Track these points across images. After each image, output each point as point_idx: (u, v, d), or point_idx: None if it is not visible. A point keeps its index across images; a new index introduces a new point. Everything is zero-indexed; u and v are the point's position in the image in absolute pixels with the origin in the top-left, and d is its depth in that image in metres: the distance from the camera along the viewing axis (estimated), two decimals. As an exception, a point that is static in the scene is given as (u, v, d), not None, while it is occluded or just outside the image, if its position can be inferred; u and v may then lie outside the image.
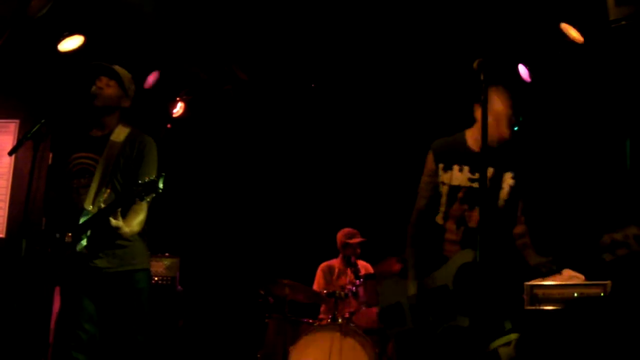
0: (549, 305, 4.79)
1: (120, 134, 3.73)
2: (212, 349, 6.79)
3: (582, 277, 4.91)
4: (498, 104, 3.48)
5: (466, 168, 3.50)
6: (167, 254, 6.11)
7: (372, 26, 5.79)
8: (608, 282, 4.68)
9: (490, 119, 3.12)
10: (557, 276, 5.01)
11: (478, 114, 3.49)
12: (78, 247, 3.47)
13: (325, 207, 7.08)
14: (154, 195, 3.34)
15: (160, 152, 3.79)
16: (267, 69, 6.58)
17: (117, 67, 3.79)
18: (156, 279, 5.92)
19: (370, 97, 6.80)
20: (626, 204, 5.00)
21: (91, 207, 3.53)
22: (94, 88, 3.69)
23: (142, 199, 3.35)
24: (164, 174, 3.35)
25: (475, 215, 3.42)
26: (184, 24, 5.80)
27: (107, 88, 3.72)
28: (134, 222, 3.56)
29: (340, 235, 6.30)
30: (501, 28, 5.34)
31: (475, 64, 3.26)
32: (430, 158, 3.65)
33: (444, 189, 3.55)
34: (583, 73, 5.47)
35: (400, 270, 5.44)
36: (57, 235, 3.55)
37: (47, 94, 5.67)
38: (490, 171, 3.43)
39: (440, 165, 3.59)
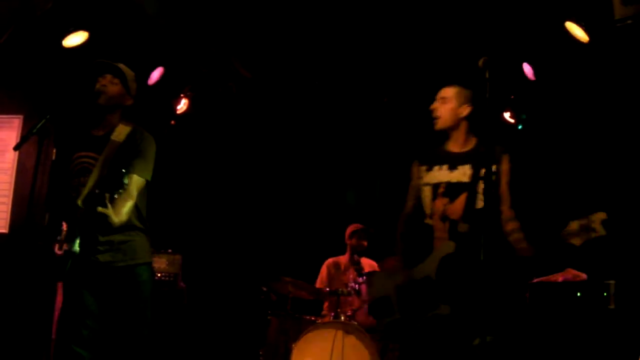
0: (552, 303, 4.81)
1: (121, 133, 3.71)
2: (215, 345, 6.80)
3: (584, 276, 4.92)
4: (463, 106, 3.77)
5: (445, 166, 3.75)
6: (169, 251, 6.11)
7: (375, 24, 5.78)
8: (612, 281, 4.70)
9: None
10: (560, 275, 5.02)
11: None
12: (72, 248, 3.46)
13: (329, 204, 7.08)
14: (120, 191, 3.30)
15: (163, 148, 3.78)
16: (271, 66, 6.58)
17: (120, 65, 3.79)
18: (159, 275, 5.93)
19: (374, 94, 6.80)
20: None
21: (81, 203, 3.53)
22: (97, 85, 3.68)
23: (109, 192, 3.31)
24: (124, 169, 3.34)
25: (455, 207, 3.65)
26: (187, 21, 5.80)
27: (110, 86, 3.72)
28: (123, 211, 3.49)
29: (348, 228, 6.33)
30: (506, 26, 5.34)
31: (480, 62, 3.30)
32: (414, 165, 3.93)
33: (427, 189, 3.79)
34: (588, 72, 5.47)
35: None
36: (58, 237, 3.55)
37: (51, 89, 5.68)
38: (469, 170, 3.68)
39: (423, 168, 3.85)
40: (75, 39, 5.40)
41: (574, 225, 3.27)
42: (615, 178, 5.57)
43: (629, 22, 4.33)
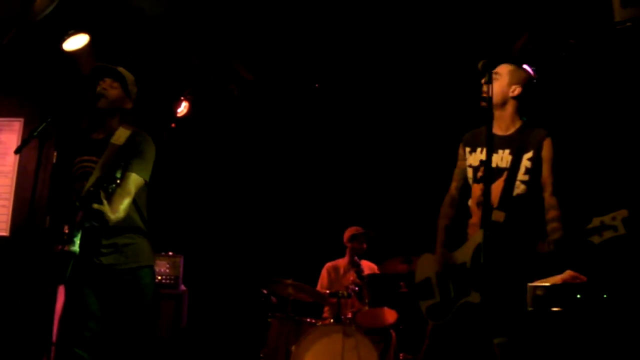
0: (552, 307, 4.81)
1: (121, 136, 3.72)
2: (215, 347, 6.80)
3: (584, 278, 4.92)
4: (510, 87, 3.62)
5: (485, 149, 3.49)
6: (170, 253, 6.12)
7: (375, 26, 5.79)
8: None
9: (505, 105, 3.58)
10: (560, 276, 5.03)
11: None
12: (72, 248, 3.46)
13: (329, 206, 7.08)
14: (113, 185, 3.33)
15: (164, 151, 3.79)
16: (272, 69, 6.59)
17: (120, 69, 3.80)
18: (159, 277, 5.93)
19: (375, 97, 6.80)
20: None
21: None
22: (98, 89, 3.69)
23: (103, 188, 3.34)
24: (123, 163, 3.34)
25: (491, 193, 3.49)
26: (187, 23, 5.81)
27: (111, 89, 3.72)
28: (120, 207, 3.50)
29: (347, 231, 6.33)
30: (506, 29, 5.34)
31: (479, 65, 3.30)
32: (460, 146, 3.82)
33: (470, 172, 3.71)
34: (588, 74, 5.47)
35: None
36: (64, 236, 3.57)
37: (52, 92, 5.69)
38: (508, 155, 3.55)
39: (467, 149, 3.74)
40: (74, 42, 5.40)
41: (597, 222, 3.15)
42: (614, 179, 5.58)
43: (629, 24, 4.33)
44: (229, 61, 6.46)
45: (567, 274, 4.98)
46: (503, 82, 3.64)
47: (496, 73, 3.62)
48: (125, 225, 3.62)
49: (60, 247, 3.53)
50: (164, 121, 6.56)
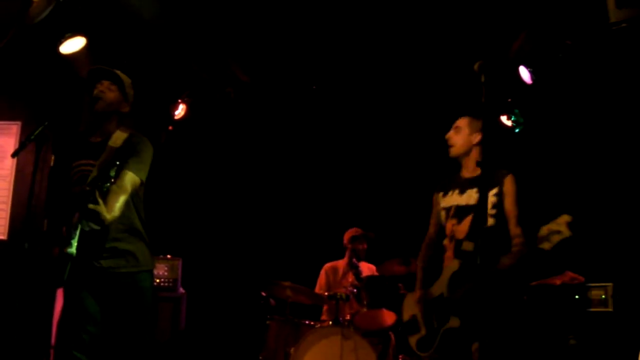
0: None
1: (118, 139, 3.72)
2: (214, 350, 6.79)
3: (582, 278, 4.94)
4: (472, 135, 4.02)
5: (456, 191, 4.04)
6: (168, 256, 6.11)
7: (372, 28, 5.80)
8: (609, 284, 4.72)
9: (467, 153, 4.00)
10: (558, 277, 5.04)
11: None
12: (69, 250, 3.46)
13: (327, 209, 7.08)
14: (107, 184, 3.32)
15: (162, 154, 3.79)
16: (269, 71, 6.59)
17: (117, 72, 3.80)
18: (158, 280, 5.93)
19: (371, 99, 6.81)
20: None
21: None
22: (95, 91, 3.69)
23: (97, 187, 3.33)
24: (118, 162, 3.34)
25: (461, 228, 3.93)
26: (184, 26, 5.81)
27: (108, 92, 3.73)
28: (116, 206, 3.48)
29: (347, 232, 6.33)
30: (502, 30, 5.35)
31: (476, 66, 3.31)
32: (435, 194, 4.22)
33: (443, 213, 4.10)
34: (584, 75, 5.48)
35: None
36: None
37: (49, 96, 5.69)
38: (475, 194, 3.93)
39: (440, 194, 4.16)
40: (71, 45, 5.41)
41: (544, 230, 3.42)
42: (611, 180, 5.59)
43: (624, 25, 4.34)
44: (225, 63, 6.46)
45: (566, 275, 5.01)
46: (464, 133, 4.03)
47: (457, 127, 4.06)
48: (124, 228, 3.63)
49: (58, 249, 3.53)
50: (161, 124, 6.56)
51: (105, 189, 3.35)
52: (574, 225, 3.33)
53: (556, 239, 3.36)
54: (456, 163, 4.11)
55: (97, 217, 3.40)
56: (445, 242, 4.04)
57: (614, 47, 4.88)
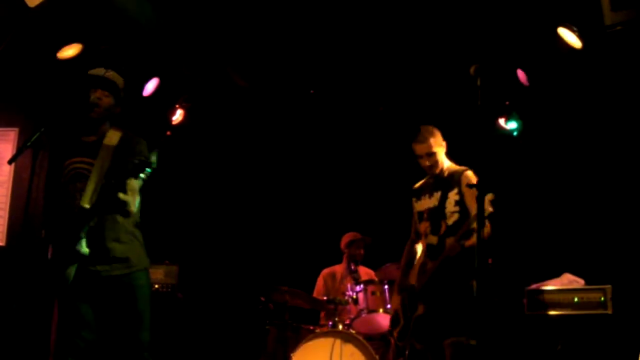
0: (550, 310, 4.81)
1: (112, 137, 3.76)
2: (213, 356, 6.78)
3: (582, 281, 4.93)
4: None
5: (427, 195, 4.44)
6: (166, 262, 6.10)
7: (370, 32, 5.80)
8: (608, 286, 4.71)
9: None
10: (557, 280, 5.03)
11: (416, 152, 4.45)
12: (81, 250, 3.48)
13: (325, 214, 7.07)
14: (149, 171, 3.40)
15: (159, 159, 3.79)
16: (267, 76, 6.59)
17: (111, 74, 3.81)
18: (156, 286, 5.92)
19: (369, 103, 6.81)
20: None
21: (88, 205, 3.54)
22: (92, 97, 3.71)
23: (136, 177, 3.42)
24: (156, 150, 3.38)
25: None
26: (182, 31, 5.81)
27: (104, 98, 3.76)
28: (136, 202, 3.65)
29: (344, 237, 6.33)
30: (498, 33, 5.35)
31: (472, 70, 3.32)
32: (413, 200, 4.58)
33: (417, 217, 4.50)
34: (579, 77, 5.48)
35: None
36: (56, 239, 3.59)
37: (46, 102, 5.69)
38: (439, 194, 4.33)
39: (414, 199, 4.56)
40: (69, 51, 5.41)
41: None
42: (610, 182, 5.59)
43: (619, 28, 4.36)
44: (223, 68, 6.46)
45: (565, 277, 5.00)
46: (436, 153, 4.36)
47: (427, 153, 4.35)
48: (120, 227, 3.65)
49: (51, 249, 3.55)
50: (159, 129, 6.55)
51: (146, 175, 3.43)
52: (496, 203, 3.62)
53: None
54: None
55: (125, 207, 3.53)
56: (422, 241, 4.43)
57: (610, 50, 4.88)
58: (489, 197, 3.54)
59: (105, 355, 3.66)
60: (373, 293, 5.47)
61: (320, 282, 6.34)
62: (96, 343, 3.60)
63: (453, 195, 4.24)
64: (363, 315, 5.45)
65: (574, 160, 5.82)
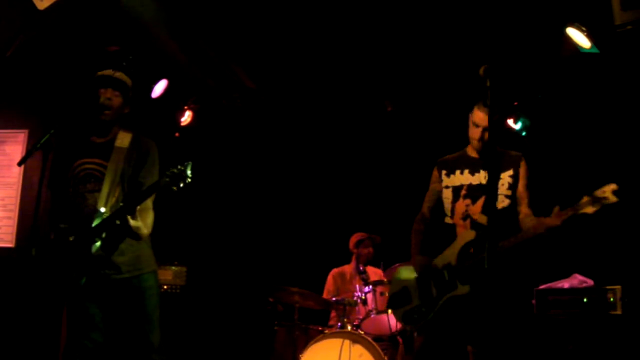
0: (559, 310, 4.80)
1: (124, 139, 3.77)
2: (222, 356, 6.79)
3: (591, 282, 4.92)
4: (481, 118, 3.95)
5: (467, 170, 4.02)
6: (175, 263, 6.12)
7: (378, 32, 5.80)
8: (618, 287, 4.69)
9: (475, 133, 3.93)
10: (567, 281, 5.02)
11: (476, 118, 3.96)
12: (93, 249, 3.49)
13: (334, 214, 7.07)
14: (182, 184, 3.35)
15: (167, 161, 3.81)
16: (275, 77, 6.60)
17: (120, 74, 3.81)
18: (165, 287, 5.93)
19: (376, 104, 6.81)
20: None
21: (104, 208, 3.55)
22: (102, 99, 3.71)
23: (169, 189, 3.37)
24: (191, 161, 3.37)
25: (476, 207, 3.94)
26: (190, 33, 5.82)
27: (115, 99, 3.76)
28: (150, 223, 3.64)
29: (353, 237, 6.33)
30: (507, 33, 5.34)
31: (481, 70, 3.32)
32: (434, 170, 4.20)
33: (448, 192, 4.06)
34: (589, 77, 5.46)
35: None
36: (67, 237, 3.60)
37: (56, 104, 5.71)
38: (486, 172, 3.93)
39: (444, 172, 4.12)
40: None
41: (586, 198, 3.49)
42: (619, 182, 5.56)
43: (629, 27, 4.34)
44: (231, 70, 6.47)
45: (575, 277, 4.99)
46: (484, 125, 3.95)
47: (479, 123, 3.95)
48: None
49: (53, 235, 3.56)
50: (167, 131, 6.57)
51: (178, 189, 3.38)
52: (619, 193, 3.40)
53: (600, 204, 3.43)
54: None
55: (135, 233, 3.50)
56: (455, 220, 4.01)
57: (620, 49, 4.87)
58: (611, 187, 3.42)
59: (114, 357, 3.67)
60: (382, 294, 5.46)
61: (330, 281, 6.34)
62: (105, 345, 3.60)
63: (506, 177, 3.93)
64: (372, 316, 5.44)
65: (583, 160, 5.80)
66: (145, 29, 5.53)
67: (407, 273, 4.12)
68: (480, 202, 3.91)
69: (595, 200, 3.43)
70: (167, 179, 3.36)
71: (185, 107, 6.68)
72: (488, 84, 3.32)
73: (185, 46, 5.96)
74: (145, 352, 3.63)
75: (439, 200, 4.13)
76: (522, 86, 5.68)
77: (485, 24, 5.36)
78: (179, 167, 3.37)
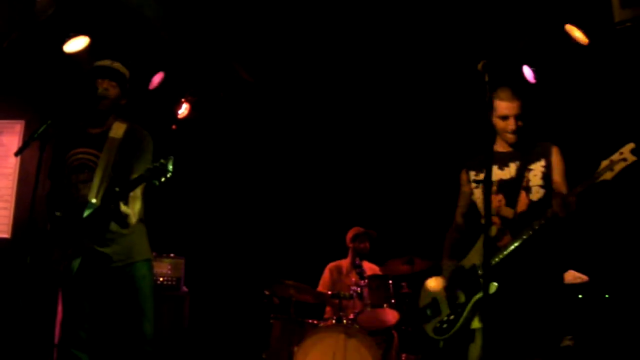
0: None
1: (118, 130, 3.77)
2: (218, 349, 6.80)
3: (586, 277, 4.94)
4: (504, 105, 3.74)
5: (495, 166, 3.77)
6: (172, 255, 6.11)
7: (376, 28, 5.80)
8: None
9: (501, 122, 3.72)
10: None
11: (502, 110, 3.75)
12: (86, 243, 3.48)
13: (331, 208, 7.08)
14: (164, 179, 3.32)
15: (165, 153, 3.80)
16: (273, 70, 6.59)
17: (116, 65, 3.81)
18: (161, 279, 5.93)
19: (376, 99, 6.80)
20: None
21: (95, 199, 3.55)
22: (100, 89, 3.71)
23: (150, 183, 3.35)
24: (172, 156, 3.36)
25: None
26: (188, 25, 5.81)
27: (111, 89, 3.76)
28: (136, 210, 3.60)
29: (349, 232, 6.34)
30: (506, 29, 5.34)
31: (479, 66, 3.31)
32: (462, 173, 3.99)
33: (478, 192, 3.87)
34: (588, 74, 5.47)
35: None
36: (57, 214, 3.62)
37: (53, 94, 5.70)
38: (516, 165, 3.73)
39: (472, 173, 3.93)
40: (75, 44, 5.41)
41: (605, 162, 3.32)
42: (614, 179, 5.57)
43: (629, 24, 4.34)
44: (229, 63, 6.46)
45: (570, 274, 5.01)
46: (523, 119, 3.76)
47: (519, 116, 3.74)
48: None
49: (49, 226, 3.56)
50: (164, 123, 6.56)
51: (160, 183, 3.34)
52: (637, 151, 3.22)
53: (619, 167, 3.26)
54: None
55: (124, 219, 3.50)
56: (492, 219, 3.78)
57: (619, 47, 4.87)
58: (630, 146, 3.24)
59: (108, 347, 3.66)
60: (378, 288, 5.48)
61: (326, 274, 6.36)
62: (99, 335, 3.60)
63: (539, 167, 3.71)
64: (367, 310, 5.46)
65: (582, 159, 5.81)
66: (142, 20, 5.52)
67: (436, 283, 3.93)
68: (512, 196, 3.73)
69: (614, 163, 3.27)
70: (147, 173, 3.33)
71: (183, 100, 6.67)
72: (486, 78, 3.31)
73: (182, 39, 5.95)
74: (138, 343, 3.62)
75: (472, 205, 3.94)
76: (521, 82, 5.68)
77: (485, 22, 5.36)
78: (161, 161, 3.33)
